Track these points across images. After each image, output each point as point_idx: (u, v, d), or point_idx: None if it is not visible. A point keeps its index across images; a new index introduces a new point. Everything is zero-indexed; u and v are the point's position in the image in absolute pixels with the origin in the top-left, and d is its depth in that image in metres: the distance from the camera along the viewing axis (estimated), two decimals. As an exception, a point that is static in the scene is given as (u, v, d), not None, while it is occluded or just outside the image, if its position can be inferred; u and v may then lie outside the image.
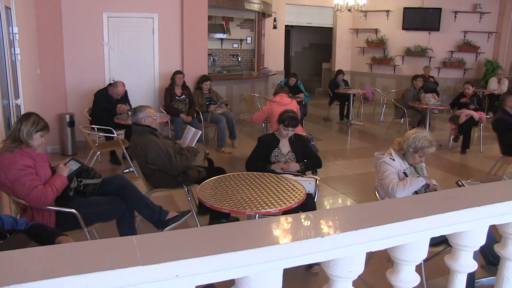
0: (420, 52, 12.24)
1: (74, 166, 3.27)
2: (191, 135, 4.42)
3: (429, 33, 12.11)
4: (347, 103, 9.98)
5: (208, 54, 10.57)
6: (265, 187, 3.25)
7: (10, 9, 4.64)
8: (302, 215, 1.59)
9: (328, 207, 5.16)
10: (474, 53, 11.98)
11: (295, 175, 3.75)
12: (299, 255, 1.37)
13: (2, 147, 3.10)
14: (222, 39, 11.25)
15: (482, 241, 1.78)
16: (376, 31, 13.03)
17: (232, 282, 1.35)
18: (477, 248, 1.79)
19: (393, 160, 3.34)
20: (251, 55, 11.64)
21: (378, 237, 1.50)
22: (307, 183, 3.50)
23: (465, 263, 1.79)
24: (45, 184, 3.04)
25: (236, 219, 4.20)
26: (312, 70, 17.14)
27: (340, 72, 10.45)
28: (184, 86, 7.33)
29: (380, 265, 3.25)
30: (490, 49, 12.00)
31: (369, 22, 13.20)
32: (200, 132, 4.48)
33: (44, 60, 6.82)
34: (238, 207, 2.85)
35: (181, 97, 7.23)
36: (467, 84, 8.03)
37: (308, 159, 4.15)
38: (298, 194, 3.08)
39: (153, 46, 7.66)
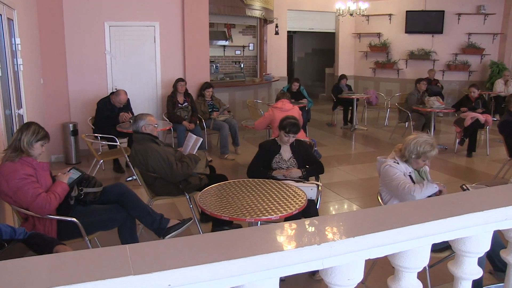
0: (423, 56, 12.19)
1: (74, 174, 3.27)
2: (192, 143, 4.40)
3: (433, 36, 12.08)
4: (350, 108, 9.94)
5: (211, 61, 10.60)
6: (266, 194, 3.21)
7: (13, 20, 4.67)
8: (299, 222, 1.56)
9: (332, 213, 5.11)
10: (479, 55, 11.91)
11: (297, 181, 3.71)
12: (295, 263, 1.34)
13: (3, 156, 3.10)
14: (224, 46, 11.27)
15: (486, 247, 1.73)
16: (378, 35, 13.01)
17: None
18: (482, 254, 1.74)
19: (398, 163, 3.30)
20: (253, 61, 11.64)
21: (377, 244, 1.46)
22: (309, 189, 3.47)
23: (469, 270, 1.75)
24: (47, 191, 3.04)
25: (239, 226, 4.16)
26: (315, 75, 17.12)
27: (343, 77, 10.42)
28: (186, 94, 7.33)
29: (385, 270, 3.20)
30: (495, 50, 11.92)
31: (371, 26, 13.18)
32: (201, 139, 4.46)
33: (47, 70, 6.85)
34: (238, 214, 2.82)
35: (183, 105, 7.23)
36: (472, 88, 7.94)
37: (310, 165, 4.11)
38: (299, 201, 3.05)
39: (154, 54, 7.67)
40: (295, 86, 9.02)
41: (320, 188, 3.67)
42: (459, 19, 11.77)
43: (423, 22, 12.09)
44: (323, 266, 1.40)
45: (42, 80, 6.72)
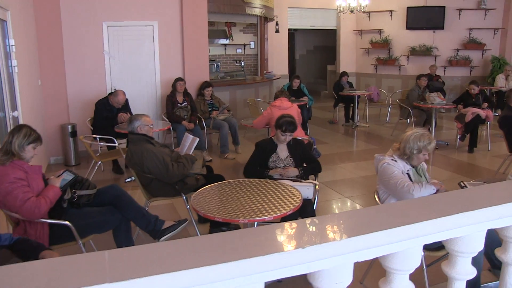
0: (425, 51, 12.11)
1: (67, 177, 3.23)
2: (189, 143, 4.36)
3: (434, 31, 11.99)
4: (352, 105, 9.88)
5: (212, 60, 10.58)
6: (261, 194, 3.17)
7: (6, 21, 4.64)
8: (287, 224, 1.52)
9: (332, 212, 5.06)
10: (480, 50, 11.82)
11: (294, 181, 3.67)
12: (280, 268, 1.30)
13: (-6, 160, 3.07)
14: (225, 45, 11.23)
15: (479, 246, 1.69)
16: (380, 31, 12.92)
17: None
18: (475, 254, 1.70)
19: (395, 161, 3.26)
20: (255, 59, 11.59)
21: (365, 247, 1.42)
22: (305, 188, 3.42)
23: (463, 270, 1.71)
24: (38, 195, 3.00)
25: (238, 227, 4.12)
26: (317, 72, 17.06)
27: (344, 74, 10.36)
28: (186, 93, 7.30)
29: (384, 269, 3.15)
30: (496, 45, 11.83)
31: (372, 23, 13.09)
32: (198, 139, 4.41)
33: (45, 71, 6.83)
34: (232, 215, 2.78)
35: (182, 104, 7.19)
36: (472, 85, 7.85)
37: (308, 164, 4.07)
38: (294, 201, 3.00)
39: (153, 54, 7.64)
40: (296, 83, 8.97)
41: (317, 187, 3.62)
42: (460, 14, 11.68)
43: (424, 18, 11.99)
44: (309, 270, 1.36)
45: (40, 82, 6.70)
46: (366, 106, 10.72)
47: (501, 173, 5.96)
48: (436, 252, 2.89)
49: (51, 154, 7.04)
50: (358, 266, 1.51)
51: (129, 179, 6.13)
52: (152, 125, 4.21)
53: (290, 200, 3.04)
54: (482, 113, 7.24)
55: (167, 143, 7.28)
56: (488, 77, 11.56)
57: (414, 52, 12.28)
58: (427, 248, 2.91)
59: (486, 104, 7.74)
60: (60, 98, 7.06)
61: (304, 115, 8.24)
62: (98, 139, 6.08)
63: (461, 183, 3.35)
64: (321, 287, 1.43)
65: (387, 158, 3.29)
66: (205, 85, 7.59)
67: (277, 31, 11.96)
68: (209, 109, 7.50)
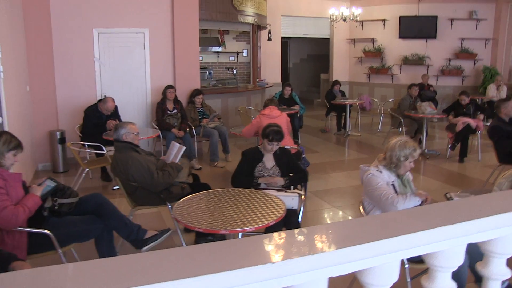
0: (417, 61, 12.17)
1: (49, 185, 3.17)
2: (175, 151, 4.31)
3: (426, 41, 12.06)
4: (344, 113, 9.88)
5: (204, 68, 10.56)
6: (244, 204, 3.12)
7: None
8: (264, 237, 1.48)
9: (320, 222, 5.01)
10: (472, 60, 11.90)
11: (279, 190, 3.62)
12: (248, 283, 1.25)
13: (-27, 168, 3.00)
14: (218, 53, 11.22)
15: (459, 261, 1.65)
16: (373, 40, 12.98)
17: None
18: (455, 268, 1.66)
19: (381, 172, 3.23)
20: (247, 67, 11.58)
21: (340, 262, 1.38)
22: (290, 199, 3.38)
23: (442, 285, 1.66)
24: (17, 204, 2.94)
25: (223, 237, 4.07)
26: (310, 81, 17.08)
27: (336, 82, 10.37)
28: (176, 101, 7.25)
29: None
30: (487, 55, 11.92)
31: (365, 32, 13.15)
32: (184, 147, 4.37)
33: (34, 77, 6.77)
34: (213, 226, 2.73)
35: (173, 112, 7.15)
36: (462, 95, 7.83)
37: (294, 174, 4.02)
38: (277, 211, 2.96)
39: (144, 61, 7.60)
40: (287, 91, 8.94)
41: (302, 197, 3.58)
42: (451, 24, 11.77)
43: (416, 27, 12.07)
44: (279, 285, 1.31)
45: (28, 88, 6.63)
46: (358, 115, 10.72)
47: (491, 183, 5.94)
48: (421, 264, 2.85)
49: (39, 160, 6.97)
50: (341, 279, 1.47)
51: (116, 187, 6.05)
52: (137, 133, 4.16)
53: (273, 210, 2.99)
54: (473, 122, 7.24)
55: (157, 150, 7.23)
56: (480, 87, 11.62)
57: (407, 61, 12.34)
58: (411, 260, 2.87)
59: (482, 116, 7.72)
60: (49, 104, 7.00)
61: (295, 123, 8.22)
62: (86, 146, 6.02)
63: (447, 194, 3.33)
64: (293, 304, 1.39)
65: (372, 169, 3.26)
66: (195, 92, 7.56)
67: (269, 39, 11.96)
68: (200, 117, 7.46)
